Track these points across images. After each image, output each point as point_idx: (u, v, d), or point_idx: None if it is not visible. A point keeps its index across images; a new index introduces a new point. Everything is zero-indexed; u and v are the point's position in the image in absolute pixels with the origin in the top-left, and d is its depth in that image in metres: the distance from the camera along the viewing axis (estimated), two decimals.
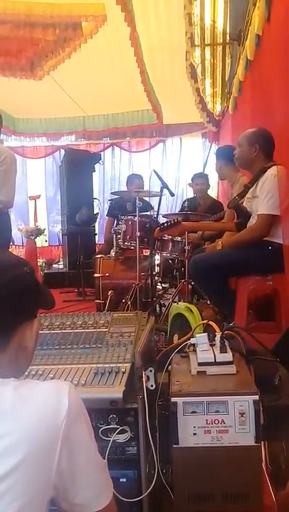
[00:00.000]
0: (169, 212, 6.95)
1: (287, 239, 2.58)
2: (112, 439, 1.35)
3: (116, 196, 5.20)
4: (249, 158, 2.97)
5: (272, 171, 2.76)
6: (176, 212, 5.76)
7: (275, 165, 2.78)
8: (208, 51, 5.34)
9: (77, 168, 6.81)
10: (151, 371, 1.45)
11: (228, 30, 4.86)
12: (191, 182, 5.40)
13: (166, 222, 3.33)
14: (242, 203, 3.07)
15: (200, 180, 5.28)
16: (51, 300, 1.10)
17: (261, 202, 2.78)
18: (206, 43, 5.18)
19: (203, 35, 5.02)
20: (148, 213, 4.27)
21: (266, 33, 3.14)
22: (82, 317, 1.87)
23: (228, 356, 1.58)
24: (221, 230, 3.72)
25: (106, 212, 5.74)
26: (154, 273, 3.97)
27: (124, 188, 5.82)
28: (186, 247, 3.89)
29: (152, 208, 4.35)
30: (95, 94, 6.81)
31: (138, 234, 3.91)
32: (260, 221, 2.80)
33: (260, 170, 2.84)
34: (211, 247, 3.14)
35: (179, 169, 8.82)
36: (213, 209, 4.65)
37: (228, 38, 4.99)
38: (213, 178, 8.28)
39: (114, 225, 5.05)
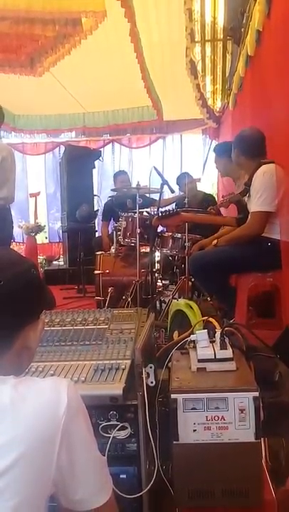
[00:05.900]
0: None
1: (284, 235, 2.58)
2: (112, 436, 1.35)
3: (115, 193, 5.18)
4: (237, 163, 3.10)
5: (262, 169, 2.78)
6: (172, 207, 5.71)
7: (270, 162, 2.79)
8: (208, 47, 5.32)
9: (77, 164, 6.79)
10: (151, 368, 1.45)
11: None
12: (179, 186, 5.18)
13: (165, 211, 3.34)
14: None
15: (189, 179, 5.24)
16: (53, 300, 1.10)
17: (253, 200, 2.80)
18: (206, 39, 5.15)
19: (203, 31, 4.99)
20: (148, 209, 4.26)
21: (266, 29, 3.13)
22: (83, 314, 1.87)
23: (228, 353, 1.58)
24: (220, 224, 3.72)
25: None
26: (154, 270, 3.97)
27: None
28: (187, 244, 3.88)
29: (154, 202, 4.33)
30: (95, 90, 6.78)
31: (138, 231, 3.90)
32: (252, 219, 2.82)
33: (255, 168, 2.85)
34: (209, 244, 3.16)
35: (179, 166, 8.79)
36: (205, 203, 4.60)
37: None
38: (214, 175, 8.28)
39: (111, 226, 5.04)
